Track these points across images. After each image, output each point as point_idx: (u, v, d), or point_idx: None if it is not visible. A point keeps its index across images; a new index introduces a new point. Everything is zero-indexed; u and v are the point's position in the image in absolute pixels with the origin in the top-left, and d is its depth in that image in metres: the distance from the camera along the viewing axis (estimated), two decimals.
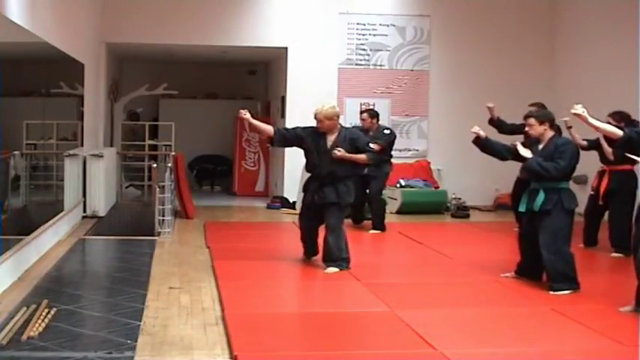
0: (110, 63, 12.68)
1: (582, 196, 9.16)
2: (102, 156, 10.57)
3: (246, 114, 7.24)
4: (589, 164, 8.57)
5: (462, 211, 11.54)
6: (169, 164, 10.21)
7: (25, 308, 5.38)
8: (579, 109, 5.83)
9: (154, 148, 13.45)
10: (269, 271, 7.21)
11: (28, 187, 7.88)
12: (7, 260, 6.26)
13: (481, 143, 6.83)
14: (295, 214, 10.93)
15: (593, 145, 8.32)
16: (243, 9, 12.12)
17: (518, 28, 12.66)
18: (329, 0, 12.29)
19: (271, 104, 14.18)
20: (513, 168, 7.55)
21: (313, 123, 7.29)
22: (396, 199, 11.49)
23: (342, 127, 7.41)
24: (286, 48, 12.23)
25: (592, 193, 8.50)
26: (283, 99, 12.54)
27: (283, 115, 12.46)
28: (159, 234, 8.97)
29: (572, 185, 6.79)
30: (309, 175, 7.45)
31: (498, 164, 7.32)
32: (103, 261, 8.19)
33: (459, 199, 11.75)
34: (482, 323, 5.46)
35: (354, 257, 7.22)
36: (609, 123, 6.83)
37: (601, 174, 8.34)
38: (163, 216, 9.12)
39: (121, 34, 11.90)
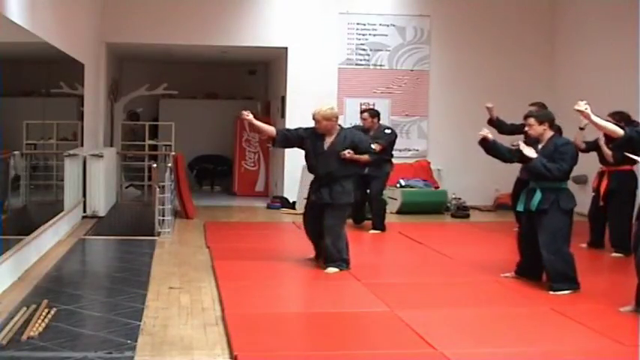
0: (110, 63, 12.68)
1: (582, 196, 9.19)
2: (102, 156, 10.57)
3: (248, 115, 7.25)
4: (589, 164, 8.57)
5: (462, 211, 11.54)
6: (169, 164, 10.21)
7: (25, 308, 5.38)
8: (582, 105, 5.82)
9: (154, 148, 13.45)
10: (269, 271, 7.21)
11: (28, 187, 7.88)
12: (7, 260, 6.26)
13: (487, 145, 6.79)
14: (295, 214, 10.96)
15: (592, 146, 8.32)
16: (243, 9, 12.12)
17: (518, 28, 12.66)
18: (329, 0, 12.29)
19: (271, 104, 14.18)
20: (513, 168, 7.56)
21: (313, 123, 7.29)
22: (396, 199, 11.49)
23: (341, 128, 7.39)
24: (286, 48, 12.23)
25: (594, 194, 8.49)
26: (283, 99, 12.54)
27: (283, 115, 12.46)
28: (159, 234, 8.97)
29: (572, 185, 6.80)
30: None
31: (498, 164, 7.31)
32: (103, 261, 8.19)
33: (459, 199, 11.75)
34: (482, 323, 5.46)
35: (354, 257, 7.22)
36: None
37: (600, 175, 8.34)
38: (163, 216, 9.12)
39: (121, 34, 11.90)
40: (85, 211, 10.31)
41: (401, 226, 10.11)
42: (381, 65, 12.43)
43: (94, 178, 10.45)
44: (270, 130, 7.50)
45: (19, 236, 6.92)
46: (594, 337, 5.12)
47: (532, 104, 8.60)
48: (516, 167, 7.15)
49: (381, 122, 9.88)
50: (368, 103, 11.88)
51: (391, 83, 12.47)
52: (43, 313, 5.22)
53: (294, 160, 10.20)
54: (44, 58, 8.35)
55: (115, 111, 13.20)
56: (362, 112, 10.03)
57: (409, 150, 12.49)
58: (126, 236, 8.92)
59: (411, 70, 12.51)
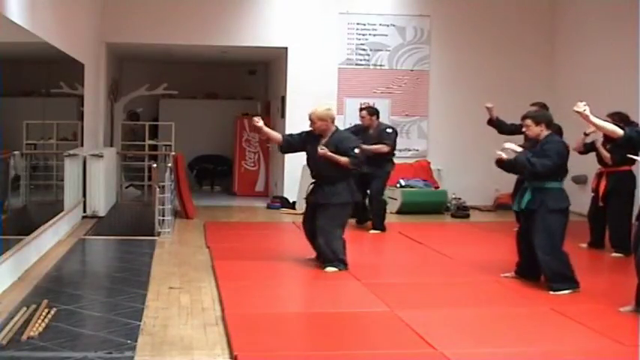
0: (110, 63, 12.68)
1: (582, 197, 9.20)
2: (102, 156, 10.57)
3: (259, 122, 7.30)
4: (588, 164, 8.58)
5: (462, 211, 11.54)
6: (169, 164, 10.21)
7: (25, 308, 5.38)
8: (581, 106, 5.82)
9: (154, 148, 13.45)
10: (269, 271, 7.21)
11: (28, 187, 7.88)
12: (7, 260, 6.26)
13: (506, 165, 6.67)
14: (295, 214, 10.96)
15: (590, 147, 8.33)
16: (243, 9, 12.12)
17: (518, 28, 12.66)
18: (329, 0, 12.29)
19: (271, 104, 14.18)
20: None
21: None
22: (396, 199, 11.49)
23: (336, 129, 7.36)
24: (286, 48, 12.23)
25: (593, 194, 8.49)
26: (283, 99, 12.54)
27: (283, 115, 12.46)
28: (159, 234, 8.97)
29: (572, 185, 6.79)
30: None
31: None
32: (103, 261, 8.19)
33: (459, 199, 11.75)
34: (482, 323, 5.46)
35: (354, 257, 7.22)
36: None
37: (599, 175, 8.34)
38: (163, 216, 9.12)
39: (121, 34, 11.90)
40: (85, 211, 10.31)
41: (401, 226, 10.11)
42: (381, 65, 12.43)
43: (94, 178, 10.44)
44: (278, 137, 7.58)
45: (19, 236, 6.92)
46: (594, 337, 5.12)
47: (533, 104, 8.61)
48: None
49: (380, 121, 9.87)
50: (368, 103, 11.85)
51: (391, 83, 12.47)
52: (43, 313, 5.22)
53: (294, 160, 10.20)
54: (44, 58, 8.34)
55: (115, 111, 13.20)
56: (360, 109, 10.01)
57: (409, 150, 12.48)
58: (126, 236, 8.91)
59: (411, 70, 12.51)
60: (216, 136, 15.06)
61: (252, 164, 14.12)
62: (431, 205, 11.69)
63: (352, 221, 9.47)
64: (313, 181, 7.37)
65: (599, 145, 8.12)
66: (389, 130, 9.72)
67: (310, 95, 11.27)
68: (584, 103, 5.86)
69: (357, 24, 12.36)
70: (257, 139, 13.93)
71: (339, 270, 7.04)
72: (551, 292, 6.26)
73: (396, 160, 10.13)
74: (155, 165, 10.83)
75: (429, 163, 12.40)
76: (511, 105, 9.65)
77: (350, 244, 7.23)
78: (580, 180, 10.51)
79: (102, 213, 10.52)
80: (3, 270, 6.13)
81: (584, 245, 8.40)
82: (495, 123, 9.47)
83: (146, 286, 6.39)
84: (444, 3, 12.53)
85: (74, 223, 9.59)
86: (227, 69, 15.45)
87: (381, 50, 12.40)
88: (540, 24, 12.73)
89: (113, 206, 11.41)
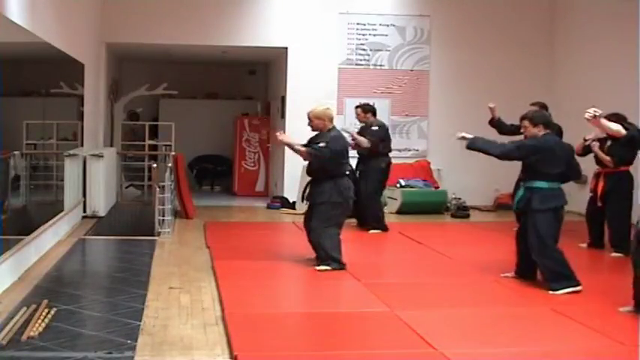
0: (110, 63, 12.68)
1: (582, 197, 9.19)
2: (102, 156, 10.56)
3: (281, 135, 7.30)
4: (587, 164, 8.57)
5: (462, 211, 11.54)
6: (169, 164, 10.21)
7: (25, 308, 5.38)
8: (592, 112, 5.79)
9: (154, 148, 13.46)
10: (269, 271, 7.21)
11: (28, 187, 7.87)
12: (7, 260, 6.26)
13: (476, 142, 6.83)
14: (295, 214, 10.96)
15: (588, 149, 8.35)
16: (243, 9, 12.12)
17: (518, 28, 12.66)
18: (329, 0, 12.29)
19: (271, 104, 14.17)
20: (514, 168, 7.55)
21: None
22: (396, 199, 11.49)
23: (333, 128, 7.30)
24: (286, 48, 12.23)
25: (591, 195, 8.50)
26: (283, 99, 12.54)
27: (283, 116, 12.46)
28: (159, 234, 8.97)
29: (572, 185, 6.79)
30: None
31: (498, 164, 7.32)
32: (103, 261, 8.19)
33: (459, 199, 11.75)
34: (482, 323, 5.46)
35: (354, 257, 7.22)
36: None
37: (597, 176, 8.36)
38: (163, 216, 9.12)
39: (121, 34, 11.90)
40: (85, 211, 10.31)
41: (401, 226, 10.11)
42: (381, 65, 12.43)
43: (94, 178, 10.44)
44: (304, 151, 7.32)
45: (19, 236, 6.92)
46: (594, 337, 5.12)
47: (532, 104, 8.61)
48: (517, 167, 7.14)
49: (377, 118, 9.91)
50: (368, 104, 11.86)
51: (391, 83, 12.47)
52: (43, 313, 5.22)
53: (294, 160, 10.18)
54: (44, 58, 8.34)
55: (115, 111, 13.21)
56: (356, 107, 10.09)
57: (409, 150, 12.48)
58: (126, 236, 8.92)
59: (411, 70, 12.52)
60: (216, 136, 15.07)
61: (252, 164, 14.12)
62: (431, 205, 11.69)
63: (352, 221, 9.49)
64: (309, 179, 7.40)
65: (596, 149, 8.17)
66: (374, 128, 9.76)
67: (310, 95, 11.28)
68: (593, 108, 5.83)
69: (357, 24, 12.36)
70: (257, 139, 13.94)
71: (332, 269, 7.03)
72: (551, 292, 6.27)
73: (396, 161, 10.13)
74: (155, 165, 10.82)
75: (429, 163, 12.41)
76: (511, 105, 9.64)
77: (350, 244, 7.23)
78: (580, 180, 10.50)
79: (102, 213, 10.52)
80: (3, 270, 6.13)
81: (584, 245, 8.42)
82: (496, 123, 9.48)
83: (146, 286, 6.39)
84: (444, 3, 12.53)
85: (74, 223, 9.59)
86: (227, 69, 15.45)
87: (381, 50, 12.40)
88: (540, 24, 12.73)
89: (113, 206, 11.41)
